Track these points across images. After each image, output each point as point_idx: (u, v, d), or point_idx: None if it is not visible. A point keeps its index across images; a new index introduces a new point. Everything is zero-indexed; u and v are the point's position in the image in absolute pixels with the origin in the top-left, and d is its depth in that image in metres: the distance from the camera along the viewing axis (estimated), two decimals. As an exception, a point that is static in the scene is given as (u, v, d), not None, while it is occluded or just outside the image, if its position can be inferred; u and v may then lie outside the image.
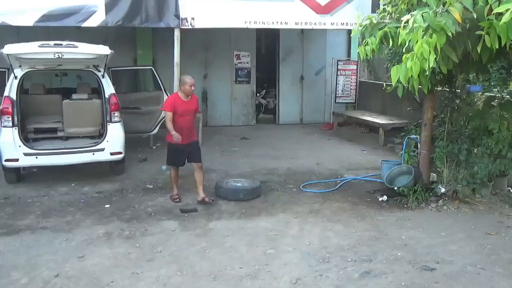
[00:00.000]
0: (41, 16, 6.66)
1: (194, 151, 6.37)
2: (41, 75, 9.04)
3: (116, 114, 7.21)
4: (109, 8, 6.80)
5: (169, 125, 6.13)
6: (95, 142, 7.20)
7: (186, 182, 7.22)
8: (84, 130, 7.48)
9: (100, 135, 7.37)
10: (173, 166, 6.44)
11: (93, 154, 7.07)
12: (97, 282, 4.23)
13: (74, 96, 7.58)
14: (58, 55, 6.55)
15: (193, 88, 6.15)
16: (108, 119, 7.18)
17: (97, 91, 7.72)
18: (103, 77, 7.31)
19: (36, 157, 6.85)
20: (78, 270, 4.44)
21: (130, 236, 5.27)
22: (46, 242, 5.08)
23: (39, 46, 6.53)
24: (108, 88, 7.28)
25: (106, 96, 7.22)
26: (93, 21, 6.81)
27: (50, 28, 7.87)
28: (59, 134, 7.51)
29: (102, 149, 7.08)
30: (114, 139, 7.16)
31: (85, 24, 6.80)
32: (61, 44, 6.62)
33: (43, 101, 7.90)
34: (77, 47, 6.65)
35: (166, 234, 5.34)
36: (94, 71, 7.30)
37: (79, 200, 6.44)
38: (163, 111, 9.18)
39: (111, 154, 7.14)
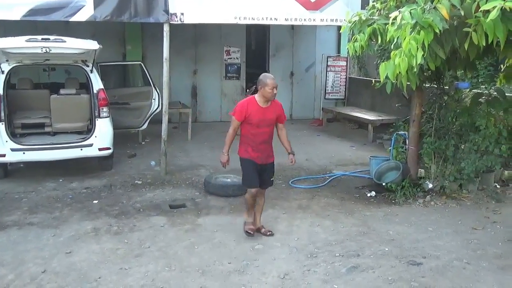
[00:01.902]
0: (29, 10, 6.56)
1: (268, 172, 5.16)
2: (29, 70, 8.94)
3: (104, 110, 7.18)
4: (97, 2, 6.71)
5: (229, 137, 4.98)
6: (83, 138, 7.16)
7: (174, 178, 7.23)
8: (72, 125, 7.42)
9: (88, 130, 7.33)
10: (249, 188, 5.07)
11: (81, 149, 7.03)
12: (85, 278, 4.22)
13: (62, 91, 7.52)
14: (46, 50, 6.50)
15: (275, 91, 4.85)
16: (96, 114, 7.14)
17: (86, 86, 7.66)
18: (91, 72, 7.26)
19: (23, 153, 6.79)
20: (66, 266, 4.43)
21: (118, 231, 5.26)
22: (33, 238, 5.05)
23: (26, 41, 6.47)
24: (97, 83, 7.23)
25: (95, 91, 7.17)
26: (82, 16, 6.73)
27: (38, 23, 7.79)
28: (47, 129, 7.45)
29: (90, 145, 7.04)
30: (103, 135, 7.12)
31: (73, 19, 6.72)
32: (49, 39, 6.57)
33: (30, 96, 7.83)
34: (65, 41, 6.60)
35: (155, 229, 5.34)
36: (83, 66, 7.25)
37: (67, 195, 6.40)
38: (152, 107, 9.30)
39: (100, 149, 7.10)
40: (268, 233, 5.22)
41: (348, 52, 6.42)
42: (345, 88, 12.94)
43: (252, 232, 5.13)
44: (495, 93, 6.97)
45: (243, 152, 5.03)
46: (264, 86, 4.84)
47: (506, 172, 7.12)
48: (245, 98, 5.08)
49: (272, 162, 5.17)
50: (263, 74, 5.06)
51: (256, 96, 4.99)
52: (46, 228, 5.32)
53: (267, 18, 7.55)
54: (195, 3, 7.15)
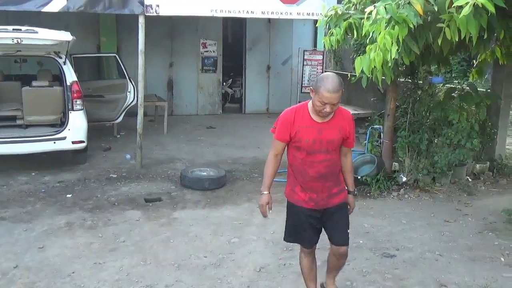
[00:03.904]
0: (-1, 0, 6.42)
1: (337, 219, 3.43)
2: (-1, 61, 8.75)
3: (78, 102, 7.05)
4: (70, -8, 6.61)
5: (268, 166, 3.45)
6: (56, 131, 7.03)
7: (150, 172, 7.17)
8: (44, 118, 7.27)
9: (62, 123, 7.20)
10: (301, 247, 3.62)
11: (54, 142, 6.90)
12: (58, 273, 4.15)
13: (34, 83, 7.35)
14: (17, 41, 6.32)
15: (327, 109, 3.10)
16: (70, 107, 7.01)
17: (59, 78, 7.53)
18: (64, 64, 7.11)
19: (-6, 146, 6.64)
20: (38, 261, 4.35)
21: (93, 226, 5.19)
22: (4, 232, 4.94)
23: (-4, 31, 6.31)
24: (70, 75, 7.09)
25: (68, 83, 7.04)
26: (54, 6, 6.59)
27: (9, 13, 7.61)
28: (19, 122, 7.30)
29: (64, 138, 6.91)
30: (76, 128, 7.00)
31: (45, 9, 6.57)
32: (20, 29, 6.40)
33: (1, 88, 7.64)
34: (37, 32, 6.45)
35: (130, 223, 5.29)
36: (55, 58, 7.10)
37: (40, 189, 6.28)
38: (127, 100, 9.18)
39: (73, 142, 6.98)
40: None
41: (324, 46, 6.44)
42: (322, 82, 12.98)
43: None
44: (468, 88, 7.09)
45: (289, 192, 3.50)
46: (315, 92, 3.11)
47: (477, 166, 7.27)
48: (294, 105, 3.42)
49: (339, 204, 3.41)
50: (325, 73, 3.20)
51: (309, 104, 3.28)
52: (18, 222, 5.22)
53: (243, 11, 7.53)
54: (171, -6, 7.08)
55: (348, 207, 3.51)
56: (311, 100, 3.24)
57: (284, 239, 3.69)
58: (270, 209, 3.45)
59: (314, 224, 3.45)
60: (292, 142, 3.32)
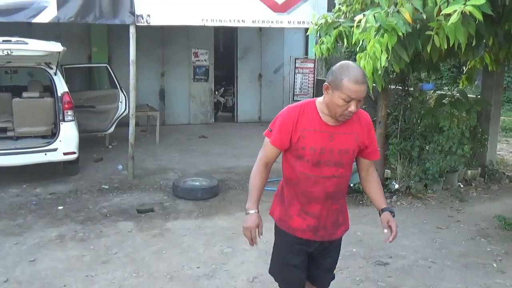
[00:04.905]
0: (-11, 11, 6.41)
1: (328, 258, 2.87)
2: (-10, 73, 8.72)
3: (69, 113, 7.03)
4: (61, 3, 6.58)
5: (253, 178, 2.71)
6: (47, 142, 6.99)
7: (142, 182, 7.14)
8: (35, 129, 7.23)
9: (53, 134, 7.16)
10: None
11: (46, 154, 6.86)
12: (49, 286, 4.11)
13: (24, 94, 7.32)
14: (7, 52, 6.30)
15: (352, 108, 2.40)
16: (61, 118, 6.98)
17: (50, 89, 7.50)
18: (55, 75, 7.09)
19: (-15, 158, 6.59)
20: (29, 275, 4.30)
21: (84, 238, 5.15)
22: (-5, 246, 4.90)
23: (-14, 43, 6.28)
24: (61, 86, 7.07)
25: (59, 94, 7.01)
26: (44, 17, 6.58)
27: (-2, 24, 7.58)
28: (9, 134, 7.25)
29: (55, 149, 6.88)
30: (67, 139, 6.96)
31: (35, 20, 6.57)
32: (10, 41, 6.38)
33: (-9, 100, 7.61)
34: (27, 43, 6.43)
35: (122, 235, 5.25)
36: (46, 69, 7.08)
37: (31, 202, 6.23)
38: (118, 110, 9.15)
39: (64, 154, 6.94)
40: None
41: (315, 54, 6.47)
42: (313, 90, 13.04)
43: None
44: (458, 94, 7.14)
45: (280, 215, 2.80)
46: (334, 87, 2.39)
47: (469, 172, 7.31)
48: (297, 102, 2.64)
49: (339, 239, 2.86)
50: (343, 62, 2.46)
51: (318, 101, 2.57)
52: (8, 235, 5.16)
53: (234, 20, 7.55)
54: (162, 4, 7.10)
55: (385, 231, 2.69)
56: (319, 99, 2.56)
57: (269, 271, 2.97)
58: (260, 234, 2.61)
59: (305, 255, 2.76)
60: (292, 150, 2.58)
